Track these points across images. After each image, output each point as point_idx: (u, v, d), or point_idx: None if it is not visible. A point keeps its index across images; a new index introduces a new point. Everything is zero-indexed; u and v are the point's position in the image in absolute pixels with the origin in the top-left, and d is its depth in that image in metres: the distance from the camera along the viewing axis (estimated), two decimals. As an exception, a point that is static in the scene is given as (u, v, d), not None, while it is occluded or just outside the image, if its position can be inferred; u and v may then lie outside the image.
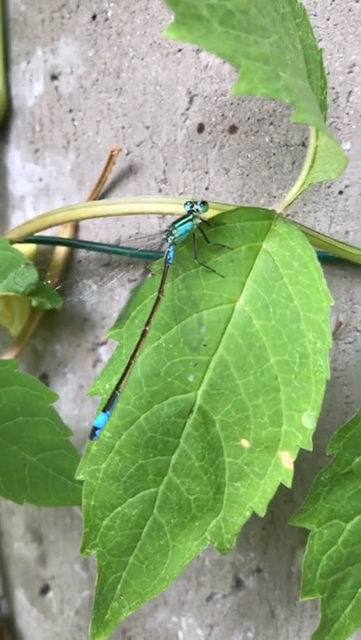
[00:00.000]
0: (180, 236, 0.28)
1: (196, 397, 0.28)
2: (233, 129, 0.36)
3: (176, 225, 0.28)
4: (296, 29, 0.29)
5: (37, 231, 0.35)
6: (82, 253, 0.39)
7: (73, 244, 0.37)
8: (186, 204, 0.28)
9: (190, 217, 0.28)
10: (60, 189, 0.40)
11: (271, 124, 0.35)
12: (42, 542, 0.44)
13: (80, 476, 0.28)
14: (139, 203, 0.33)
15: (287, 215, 0.36)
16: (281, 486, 0.38)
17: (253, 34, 0.24)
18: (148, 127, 0.37)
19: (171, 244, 0.28)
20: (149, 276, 0.28)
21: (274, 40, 0.25)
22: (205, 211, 0.28)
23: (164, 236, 0.28)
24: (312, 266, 0.28)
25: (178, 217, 0.28)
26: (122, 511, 0.28)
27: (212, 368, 0.28)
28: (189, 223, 0.28)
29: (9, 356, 0.40)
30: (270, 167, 0.36)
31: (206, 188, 0.36)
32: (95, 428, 0.27)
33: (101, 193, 0.38)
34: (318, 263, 0.28)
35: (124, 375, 0.27)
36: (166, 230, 0.28)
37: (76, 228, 0.39)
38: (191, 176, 0.36)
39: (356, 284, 0.37)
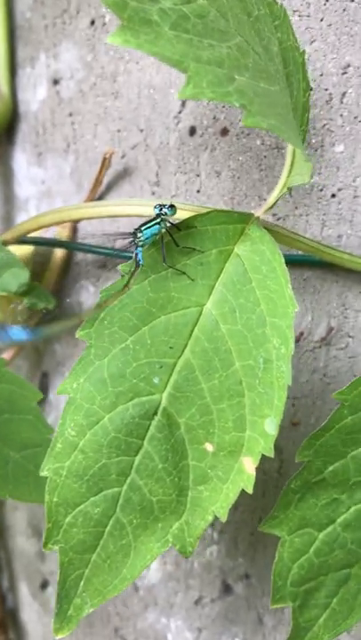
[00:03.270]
0: (147, 238, 0.28)
1: (160, 399, 0.29)
2: (224, 131, 0.36)
3: (143, 228, 0.28)
4: (274, 31, 0.29)
5: (31, 232, 0.36)
6: (80, 254, 0.40)
7: (64, 245, 0.38)
8: (155, 206, 0.28)
9: (158, 220, 0.28)
10: (61, 192, 0.41)
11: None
12: (41, 538, 0.45)
13: (44, 473, 0.28)
14: (129, 205, 0.33)
15: (278, 219, 0.36)
16: (273, 493, 0.37)
17: (209, 38, 0.24)
18: (142, 130, 0.37)
19: (138, 247, 0.28)
20: (119, 277, 0.29)
21: (235, 43, 0.25)
22: (173, 214, 0.29)
23: (131, 239, 0.28)
24: (280, 271, 0.28)
25: (146, 219, 0.28)
26: (84, 509, 0.29)
27: (177, 371, 0.29)
28: (156, 227, 0.28)
29: (9, 353, 0.41)
30: (261, 170, 0.35)
31: (198, 191, 0.36)
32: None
33: (98, 195, 0.39)
34: (286, 268, 0.28)
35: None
36: (133, 232, 0.28)
37: (75, 230, 0.40)
38: (183, 179, 0.37)
39: (348, 289, 0.36)
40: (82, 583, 0.29)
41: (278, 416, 0.27)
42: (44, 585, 0.47)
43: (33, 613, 0.48)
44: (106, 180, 0.39)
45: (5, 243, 0.37)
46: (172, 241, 0.28)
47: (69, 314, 0.39)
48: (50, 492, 0.28)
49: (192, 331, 0.29)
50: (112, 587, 0.29)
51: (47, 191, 0.41)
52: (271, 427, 0.28)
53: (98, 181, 0.38)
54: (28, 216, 0.43)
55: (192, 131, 0.36)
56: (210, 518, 0.29)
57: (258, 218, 0.30)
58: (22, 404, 0.34)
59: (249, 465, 0.28)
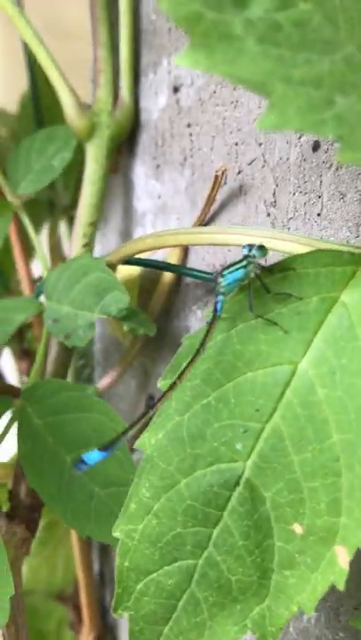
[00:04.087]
0: (229, 284, 0.24)
1: (244, 469, 0.25)
2: (353, 146, 0.31)
3: (225, 272, 0.24)
4: None
5: (136, 254, 0.34)
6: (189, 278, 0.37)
7: (172, 269, 0.35)
8: (244, 246, 0.24)
9: (244, 263, 0.24)
10: (175, 208, 0.38)
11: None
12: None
13: (116, 534, 0.26)
14: (242, 235, 0.29)
15: None
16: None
17: (308, 51, 0.20)
18: (260, 144, 0.33)
19: (219, 294, 0.24)
20: (204, 324, 0.25)
21: (343, 55, 0.20)
22: (263, 256, 0.24)
23: (213, 285, 0.24)
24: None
25: (231, 262, 0.25)
26: (157, 578, 0.26)
27: (264, 438, 0.25)
28: (241, 271, 0.24)
29: (113, 373, 0.40)
30: (396, 193, 0.30)
31: (318, 214, 0.32)
32: (81, 461, 0.25)
33: (210, 214, 0.35)
34: None
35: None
36: (214, 277, 0.24)
37: (186, 251, 0.37)
38: (302, 200, 0.32)
39: None
40: (156, 655, 0.26)
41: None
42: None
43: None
44: (220, 197, 0.35)
45: (110, 264, 0.35)
46: (263, 286, 0.24)
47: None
48: (121, 556, 0.26)
49: (283, 392, 0.24)
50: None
51: (163, 206, 0.39)
52: (371, 517, 0.23)
53: (210, 200, 0.34)
54: (144, 231, 0.40)
55: (316, 146, 0.31)
56: (295, 609, 0.25)
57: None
58: (110, 437, 0.32)
59: (342, 556, 0.24)
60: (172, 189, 0.38)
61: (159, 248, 0.32)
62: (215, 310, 0.24)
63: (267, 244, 0.27)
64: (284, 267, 0.25)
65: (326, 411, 0.24)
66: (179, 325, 0.38)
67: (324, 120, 0.19)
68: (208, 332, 0.24)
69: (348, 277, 0.25)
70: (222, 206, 0.35)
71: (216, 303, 0.24)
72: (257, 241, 0.27)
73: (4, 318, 0.39)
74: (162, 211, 0.39)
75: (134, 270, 0.37)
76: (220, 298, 0.24)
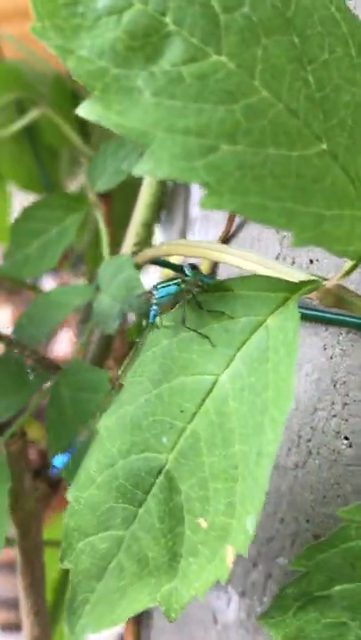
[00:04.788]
0: (161, 297, 0.27)
1: (166, 461, 0.28)
2: None
3: (159, 286, 0.27)
4: (353, 76, 0.25)
5: (155, 257, 0.38)
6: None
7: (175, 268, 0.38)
8: (184, 265, 0.27)
9: (178, 280, 0.27)
10: (215, 219, 0.41)
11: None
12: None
13: (69, 497, 0.31)
14: (220, 252, 0.32)
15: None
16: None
17: (203, 101, 0.22)
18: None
19: (152, 305, 0.27)
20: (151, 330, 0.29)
21: (247, 103, 0.23)
22: (193, 277, 0.27)
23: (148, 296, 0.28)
24: (293, 356, 0.25)
25: (169, 278, 0.28)
26: (93, 541, 0.30)
27: (184, 436, 0.28)
28: (174, 287, 0.27)
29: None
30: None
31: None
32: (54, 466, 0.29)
33: (235, 228, 0.38)
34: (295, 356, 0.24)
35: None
36: (151, 288, 0.28)
37: (215, 265, 0.40)
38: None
39: None
40: (87, 607, 0.31)
41: (256, 517, 0.25)
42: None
43: None
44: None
45: (137, 264, 0.39)
46: (196, 303, 0.27)
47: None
48: (68, 517, 0.30)
49: (204, 399, 0.27)
50: (106, 621, 0.30)
51: (206, 215, 0.42)
52: (250, 525, 0.25)
53: (232, 216, 0.37)
54: (193, 236, 0.44)
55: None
56: (193, 593, 0.27)
57: (319, 286, 0.27)
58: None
59: (230, 555, 0.26)
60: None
61: (169, 255, 0.35)
62: (149, 318, 0.27)
63: (237, 263, 0.29)
64: (225, 287, 0.27)
65: (233, 422, 0.26)
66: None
67: (195, 167, 0.21)
68: (143, 337, 0.27)
69: (278, 303, 0.26)
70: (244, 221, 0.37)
71: (150, 312, 0.27)
72: (226, 258, 0.30)
73: (64, 302, 0.45)
74: (205, 219, 0.42)
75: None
76: (154, 308, 0.27)
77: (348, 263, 0.27)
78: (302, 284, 0.27)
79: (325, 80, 0.24)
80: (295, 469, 0.35)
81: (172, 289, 0.27)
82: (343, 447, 0.33)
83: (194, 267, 0.27)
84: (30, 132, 0.66)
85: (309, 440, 0.34)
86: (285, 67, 0.24)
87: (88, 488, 0.30)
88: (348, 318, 0.32)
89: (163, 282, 0.28)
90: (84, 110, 0.22)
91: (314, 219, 0.23)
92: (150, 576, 0.29)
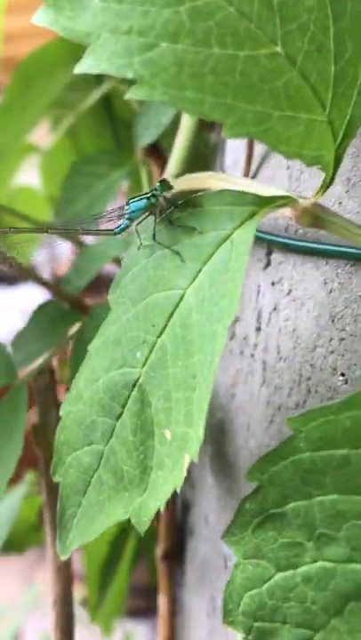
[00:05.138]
0: (132, 212, 0.28)
1: (140, 375, 0.29)
2: None
3: (130, 201, 0.28)
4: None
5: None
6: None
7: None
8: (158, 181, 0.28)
9: (148, 195, 0.28)
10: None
11: None
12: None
13: (61, 413, 0.32)
14: (216, 180, 0.32)
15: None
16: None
17: (149, 4, 0.23)
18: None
19: (124, 219, 0.28)
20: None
21: (191, 6, 0.23)
22: (164, 191, 0.28)
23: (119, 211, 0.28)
24: (244, 263, 0.25)
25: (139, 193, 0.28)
26: (79, 455, 0.31)
27: (155, 350, 0.28)
28: (144, 201, 0.28)
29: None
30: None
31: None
32: None
33: (253, 172, 0.38)
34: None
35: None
36: (124, 203, 0.28)
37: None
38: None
39: None
40: (75, 520, 0.32)
41: (203, 422, 0.25)
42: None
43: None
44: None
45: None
46: (169, 217, 0.28)
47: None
48: (59, 431, 0.32)
49: (172, 313, 0.28)
50: (88, 534, 0.31)
51: (235, 162, 0.42)
52: (201, 431, 0.25)
53: (249, 155, 0.37)
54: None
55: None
56: (158, 505, 0.28)
57: (293, 203, 0.27)
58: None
59: (185, 464, 0.26)
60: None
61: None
62: (117, 230, 0.28)
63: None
64: (195, 203, 0.28)
65: (194, 333, 0.26)
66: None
67: (132, 63, 0.22)
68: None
69: (245, 217, 0.26)
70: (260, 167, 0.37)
71: (119, 225, 0.28)
72: (221, 185, 0.30)
73: (103, 253, 0.47)
74: (235, 167, 0.42)
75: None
76: (125, 222, 0.28)
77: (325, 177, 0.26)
78: (271, 198, 0.26)
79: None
80: (296, 409, 0.34)
81: (142, 203, 0.28)
82: (339, 384, 0.32)
83: (162, 181, 0.28)
84: (108, 106, 0.69)
85: (309, 378, 0.33)
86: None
87: (76, 403, 0.31)
88: (346, 249, 0.31)
89: (134, 197, 0.28)
90: (37, 18, 0.23)
91: (256, 116, 0.23)
92: (125, 490, 0.30)
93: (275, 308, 0.35)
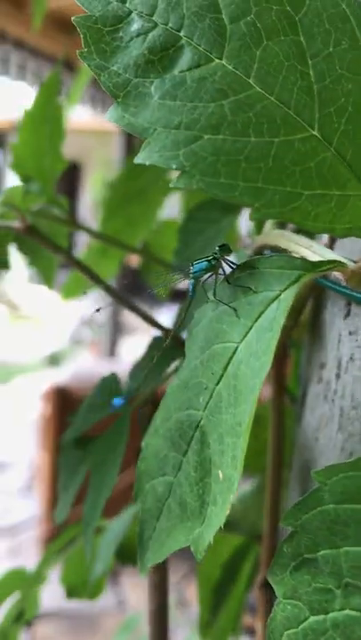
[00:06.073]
0: (195, 272, 0.31)
1: (201, 417, 0.32)
2: None
3: (195, 263, 0.31)
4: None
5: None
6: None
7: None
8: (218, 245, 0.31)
9: (210, 257, 0.31)
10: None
11: None
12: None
13: (142, 444, 0.36)
14: (305, 249, 0.35)
15: None
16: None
17: (198, 100, 0.27)
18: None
19: (190, 279, 0.31)
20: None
21: (236, 98, 0.26)
22: (223, 253, 0.30)
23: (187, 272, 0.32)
24: (281, 325, 0.27)
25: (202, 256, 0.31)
26: (154, 483, 0.35)
27: (213, 396, 0.31)
28: (205, 263, 0.31)
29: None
30: None
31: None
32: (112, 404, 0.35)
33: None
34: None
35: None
36: (190, 264, 0.32)
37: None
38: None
39: None
40: (150, 541, 0.36)
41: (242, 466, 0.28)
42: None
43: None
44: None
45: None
46: (228, 277, 0.31)
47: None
48: (141, 461, 0.36)
49: (227, 364, 0.30)
50: (159, 555, 0.35)
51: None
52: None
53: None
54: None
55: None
56: (211, 537, 0.31)
57: (340, 267, 0.29)
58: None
59: (230, 504, 0.29)
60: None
61: (266, 245, 0.39)
62: (189, 291, 0.32)
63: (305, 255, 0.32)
64: (252, 265, 0.30)
65: (242, 384, 0.29)
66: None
67: (177, 155, 0.26)
68: (186, 308, 0.32)
69: (293, 280, 0.29)
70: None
71: (189, 285, 0.32)
72: (286, 244, 0.33)
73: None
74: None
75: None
76: (191, 282, 0.32)
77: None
78: (319, 263, 0.28)
79: (326, 72, 0.26)
80: None
81: (204, 264, 0.31)
82: None
83: (222, 245, 0.31)
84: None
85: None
86: (283, 64, 0.26)
87: (154, 437, 0.35)
88: None
89: (199, 258, 0.32)
90: (108, 115, 0.28)
91: (285, 196, 0.25)
92: (188, 520, 0.33)
93: (351, 358, 0.37)
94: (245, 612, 0.75)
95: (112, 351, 3.34)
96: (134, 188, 0.72)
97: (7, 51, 2.56)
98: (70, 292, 0.85)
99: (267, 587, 0.53)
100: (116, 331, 3.41)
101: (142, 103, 0.27)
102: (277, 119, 0.26)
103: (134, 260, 1.11)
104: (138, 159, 0.26)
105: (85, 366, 2.85)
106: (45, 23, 2.38)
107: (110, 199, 0.75)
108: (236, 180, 0.25)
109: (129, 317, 3.94)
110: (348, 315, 0.38)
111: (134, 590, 2.16)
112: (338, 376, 0.39)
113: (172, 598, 2.06)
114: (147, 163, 0.26)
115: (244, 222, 0.65)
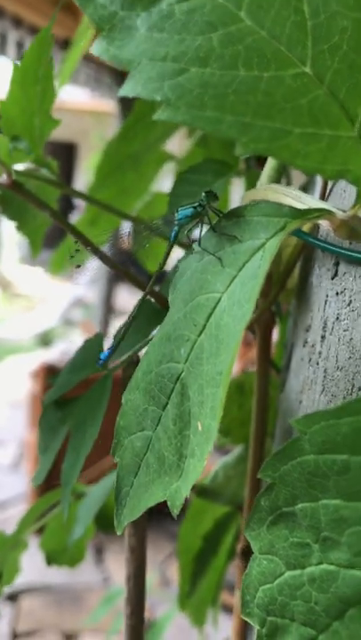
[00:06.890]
0: (180, 219, 0.30)
1: (182, 370, 0.31)
2: None
3: (180, 209, 0.30)
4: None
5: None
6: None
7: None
8: (204, 192, 0.30)
9: (195, 204, 0.30)
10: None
11: None
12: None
13: (122, 400, 0.35)
14: (285, 196, 0.34)
15: None
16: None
17: (185, 32, 0.26)
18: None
19: (174, 225, 0.31)
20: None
21: (227, 31, 0.25)
22: (209, 201, 0.30)
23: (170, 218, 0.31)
24: (265, 273, 0.26)
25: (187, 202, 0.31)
26: (133, 439, 0.34)
27: (195, 347, 0.30)
28: (191, 209, 0.30)
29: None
30: None
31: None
32: (100, 358, 0.34)
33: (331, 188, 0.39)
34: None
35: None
36: (174, 211, 0.31)
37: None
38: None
39: None
40: (128, 498, 0.35)
41: (220, 416, 0.27)
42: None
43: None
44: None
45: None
46: (214, 225, 0.30)
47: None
48: (120, 415, 0.35)
49: (210, 315, 0.30)
50: (135, 511, 0.34)
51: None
52: (218, 424, 0.27)
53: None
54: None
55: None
56: (187, 491, 0.30)
57: (320, 212, 0.28)
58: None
59: (207, 458, 0.28)
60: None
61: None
62: (170, 237, 0.31)
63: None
64: (238, 213, 0.30)
65: (224, 333, 0.28)
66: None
67: (162, 87, 0.25)
68: (166, 253, 0.31)
69: (279, 228, 0.28)
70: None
71: (171, 232, 0.31)
72: (286, 200, 0.32)
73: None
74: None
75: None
76: (174, 229, 0.31)
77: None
78: (307, 211, 0.28)
79: (321, 8, 0.25)
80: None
81: (189, 211, 0.30)
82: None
83: (208, 192, 0.30)
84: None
85: (360, 389, 0.34)
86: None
87: (134, 392, 0.35)
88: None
89: (183, 205, 0.31)
90: (93, 48, 0.27)
91: (273, 133, 0.24)
92: (165, 474, 0.32)
93: (337, 318, 0.36)
94: (224, 590, 0.75)
95: (103, 332, 3.32)
96: (127, 153, 0.71)
97: (5, 28, 2.52)
98: (59, 265, 0.84)
99: (248, 555, 0.53)
100: (108, 311, 3.40)
101: (128, 36, 0.26)
102: (268, 54, 0.25)
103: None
104: (122, 91, 0.25)
105: (76, 346, 2.84)
106: (44, 1, 2.35)
107: (102, 166, 0.74)
108: (223, 114, 0.24)
109: (120, 298, 3.93)
110: (335, 275, 0.37)
111: (120, 567, 2.17)
112: (323, 338, 0.38)
113: (156, 577, 2.07)
114: (130, 95, 0.25)
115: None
